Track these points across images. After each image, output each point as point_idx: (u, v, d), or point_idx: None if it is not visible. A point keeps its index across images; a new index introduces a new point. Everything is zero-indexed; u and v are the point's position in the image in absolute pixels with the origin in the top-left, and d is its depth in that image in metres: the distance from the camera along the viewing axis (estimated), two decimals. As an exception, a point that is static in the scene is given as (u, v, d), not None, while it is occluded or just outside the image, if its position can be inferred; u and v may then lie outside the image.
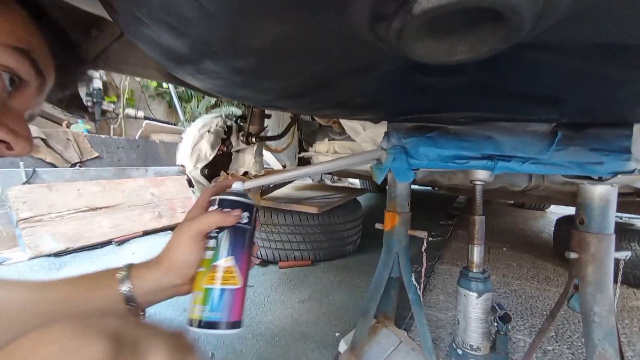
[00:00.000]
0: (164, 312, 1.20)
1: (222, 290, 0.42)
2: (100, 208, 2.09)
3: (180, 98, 5.12)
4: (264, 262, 1.70)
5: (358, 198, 2.05)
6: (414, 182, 0.91)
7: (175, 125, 4.62)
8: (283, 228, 1.63)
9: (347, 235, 1.79)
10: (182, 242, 0.43)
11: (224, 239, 0.44)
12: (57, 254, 1.79)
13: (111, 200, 2.17)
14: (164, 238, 2.23)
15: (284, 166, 1.93)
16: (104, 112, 3.88)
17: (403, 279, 0.84)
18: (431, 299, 1.37)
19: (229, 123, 1.51)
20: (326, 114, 1.07)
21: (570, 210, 2.18)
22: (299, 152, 1.81)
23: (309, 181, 2.77)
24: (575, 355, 1.00)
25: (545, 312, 1.25)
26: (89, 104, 3.58)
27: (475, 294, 0.76)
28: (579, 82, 0.40)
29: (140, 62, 0.83)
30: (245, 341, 1.07)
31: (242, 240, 0.46)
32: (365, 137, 1.10)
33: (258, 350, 1.03)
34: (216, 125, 1.43)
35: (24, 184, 1.98)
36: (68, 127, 2.91)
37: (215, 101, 5.30)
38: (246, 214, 0.46)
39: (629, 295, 1.45)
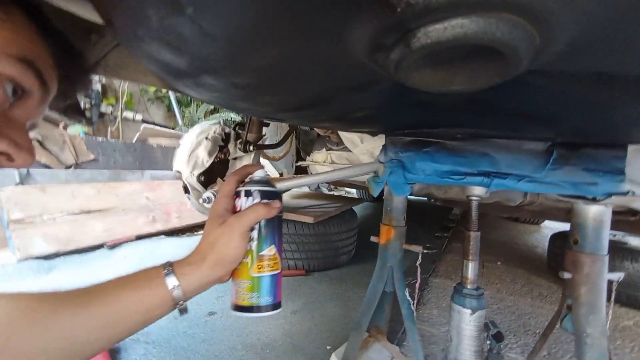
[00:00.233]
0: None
1: (270, 276, 0.46)
2: (94, 211, 2.07)
3: (179, 102, 5.13)
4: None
5: (354, 208, 2.05)
6: (410, 194, 0.91)
7: (173, 129, 4.61)
8: (278, 237, 1.61)
9: (342, 245, 1.79)
10: (234, 238, 0.44)
11: (265, 229, 0.47)
12: (47, 257, 1.77)
13: (105, 203, 2.15)
14: (157, 243, 2.21)
15: (281, 174, 1.93)
16: (101, 115, 3.87)
17: (397, 293, 0.83)
18: (424, 313, 1.36)
19: (227, 130, 1.51)
20: (325, 126, 1.08)
21: (565, 226, 2.19)
22: (296, 161, 1.81)
23: (305, 189, 2.77)
24: (567, 375, 1.00)
25: (538, 330, 1.25)
26: (87, 105, 3.57)
27: (469, 311, 0.76)
28: (574, 106, 0.41)
29: (140, 68, 0.83)
30: (235, 352, 1.05)
31: (278, 227, 0.49)
32: (363, 149, 1.11)
33: (248, 362, 1.01)
34: (214, 132, 1.43)
35: (17, 184, 1.96)
36: (65, 128, 2.89)
37: (214, 107, 5.31)
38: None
39: (621, 315, 1.45)
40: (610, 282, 0.69)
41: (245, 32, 0.20)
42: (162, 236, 2.37)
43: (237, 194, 0.48)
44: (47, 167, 2.35)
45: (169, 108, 5.15)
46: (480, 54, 0.17)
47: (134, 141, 3.36)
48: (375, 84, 0.35)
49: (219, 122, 1.51)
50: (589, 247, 0.67)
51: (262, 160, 1.69)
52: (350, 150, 1.33)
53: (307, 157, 1.73)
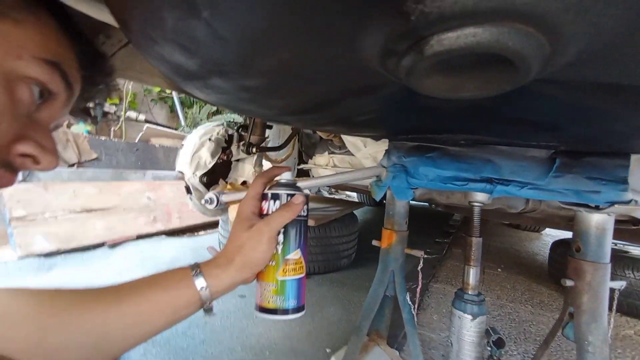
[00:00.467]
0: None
1: (295, 280, 0.47)
2: (95, 210, 2.07)
3: (182, 103, 5.15)
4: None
5: (355, 212, 2.05)
6: (412, 199, 0.92)
7: (176, 130, 4.63)
8: (279, 239, 1.61)
9: (343, 249, 1.78)
10: (262, 242, 0.45)
11: (291, 233, 0.47)
12: (48, 255, 1.77)
13: (107, 202, 2.16)
14: (158, 243, 2.21)
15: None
16: (105, 114, 3.89)
17: (397, 297, 0.83)
18: (424, 318, 1.36)
19: (230, 132, 1.52)
20: (328, 130, 1.08)
21: (566, 234, 2.19)
22: (298, 164, 1.81)
23: (306, 192, 2.77)
24: (568, 384, 0.99)
25: (538, 338, 1.24)
26: (91, 104, 3.58)
27: (469, 317, 0.76)
28: (579, 114, 0.41)
29: (147, 69, 0.83)
30: (234, 353, 1.05)
31: (304, 231, 0.49)
32: (366, 153, 1.11)
33: (247, 364, 1.01)
34: (217, 134, 1.43)
35: (19, 182, 1.97)
36: (69, 127, 2.90)
37: (217, 108, 5.33)
38: (305, 206, 0.49)
39: (622, 324, 1.44)
40: (612, 290, 0.69)
41: (259, 36, 0.20)
42: (163, 236, 2.38)
43: (263, 197, 0.49)
44: (49, 165, 2.35)
45: (172, 109, 5.17)
46: (490, 62, 0.17)
47: (136, 141, 3.37)
48: (381, 89, 0.35)
49: (223, 124, 1.52)
50: (592, 255, 0.67)
51: (264, 163, 1.69)
52: (352, 154, 1.33)
53: (309, 160, 1.73)
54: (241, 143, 1.45)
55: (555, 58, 0.17)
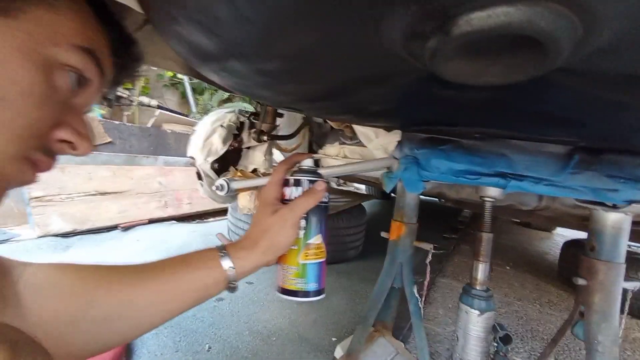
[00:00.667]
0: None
1: (316, 264, 0.49)
2: (109, 193, 2.12)
3: (193, 90, 5.18)
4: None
5: (363, 204, 2.05)
6: (421, 193, 0.91)
7: (187, 116, 4.66)
8: (287, 228, 1.62)
9: (350, 240, 1.79)
10: (287, 227, 0.47)
11: (313, 218, 0.49)
12: (64, 235, 1.82)
13: (120, 186, 2.20)
14: (168, 227, 2.25)
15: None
16: (118, 98, 3.93)
17: (405, 289, 0.83)
18: (430, 312, 1.36)
19: (241, 119, 1.52)
20: (341, 119, 1.07)
21: (578, 234, 2.15)
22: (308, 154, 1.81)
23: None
24: (573, 383, 0.99)
25: (546, 337, 1.24)
26: (105, 89, 3.62)
27: (477, 312, 0.75)
28: (603, 109, 0.39)
29: (160, 52, 0.83)
30: (242, 337, 1.07)
31: (325, 217, 0.51)
32: (377, 144, 1.10)
33: (254, 347, 1.03)
34: (229, 121, 1.44)
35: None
36: (83, 110, 2.94)
37: (228, 95, 5.34)
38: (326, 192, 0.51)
39: (632, 326, 1.42)
40: (625, 291, 0.68)
41: (283, 17, 0.20)
42: (173, 221, 2.42)
43: (285, 182, 0.51)
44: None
45: (183, 95, 5.20)
46: (517, 45, 0.17)
47: (149, 126, 3.41)
48: (400, 76, 0.34)
49: (235, 111, 1.52)
50: (606, 255, 0.66)
51: (273, 151, 1.69)
52: (363, 146, 1.32)
53: (319, 150, 1.72)
54: (252, 131, 1.45)
55: (587, 42, 0.16)
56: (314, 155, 1.71)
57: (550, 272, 2.00)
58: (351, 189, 4.15)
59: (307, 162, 0.53)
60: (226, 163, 1.53)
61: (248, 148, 1.57)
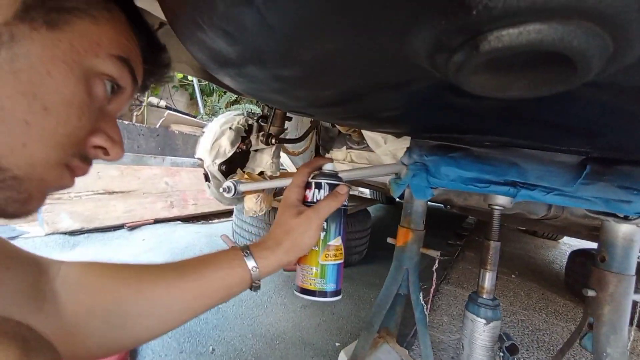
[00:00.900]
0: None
1: (335, 265, 0.51)
2: (117, 192, 2.14)
3: (202, 91, 5.21)
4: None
5: (368, 208, 2.04)
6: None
7: (195, 117, 4.69)
8: (292, 231, 1.62)
9: (354, 245, 1.79)
10: (312, 229, 0.48)
11: (332, 221, 0.51)
12: (72, 233, 1.84)
13: (127, 185, 2.22)
14: (173, 228, 2.27)
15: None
16: (128, 99, 3.96)
17: (411, 296, 0.83)
18: (435, 319, 1.35)
19: (250, 122, 1.52)
20: (351, 124, 1.08)
21: (585, 244, 2.12)
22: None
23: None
24: (580, 395, 0.97)
25: (552, 347, 1.22)
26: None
27: (483, 321, 0.75)
28: (620, 121, 0.39)
29: (173, 55, 0.84)
30: (245, 340, 1.07)
31: (344, 219, 0.53)
32: (386, 150, 1.10)
33: (257, 350, 1.03)
34: (238, 123, 1.45)
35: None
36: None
37: (236, 98, 5.37)
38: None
39: (639, 339, 1.40)
40: (634, 304, 0.67)
41: (307, 25, 0.20)
42: (179, 222, 2.43)
43: (307, 185, 0.53)
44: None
45: (192, 96, 5.24)
46: (545, 61, 0.17)
47: (157, 126, 3.44)
48: (415, 84, 0.35)
49: (243, 114, 1.53)
50: (616, 266, 0.65)
51: (281, 154, 1.70)
52: (370, 150, 1.32)
53: (326, 155, 1.73)
54: (260, 134, 1.46)
55: (617, 59, 0.16)
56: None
57: (557, 282, 1.97)
58: (356, 193, 4.14)
59: (329, 166, 0.54)
60: (234, 165, 1.53)
61: (256, 151, 1.58)
